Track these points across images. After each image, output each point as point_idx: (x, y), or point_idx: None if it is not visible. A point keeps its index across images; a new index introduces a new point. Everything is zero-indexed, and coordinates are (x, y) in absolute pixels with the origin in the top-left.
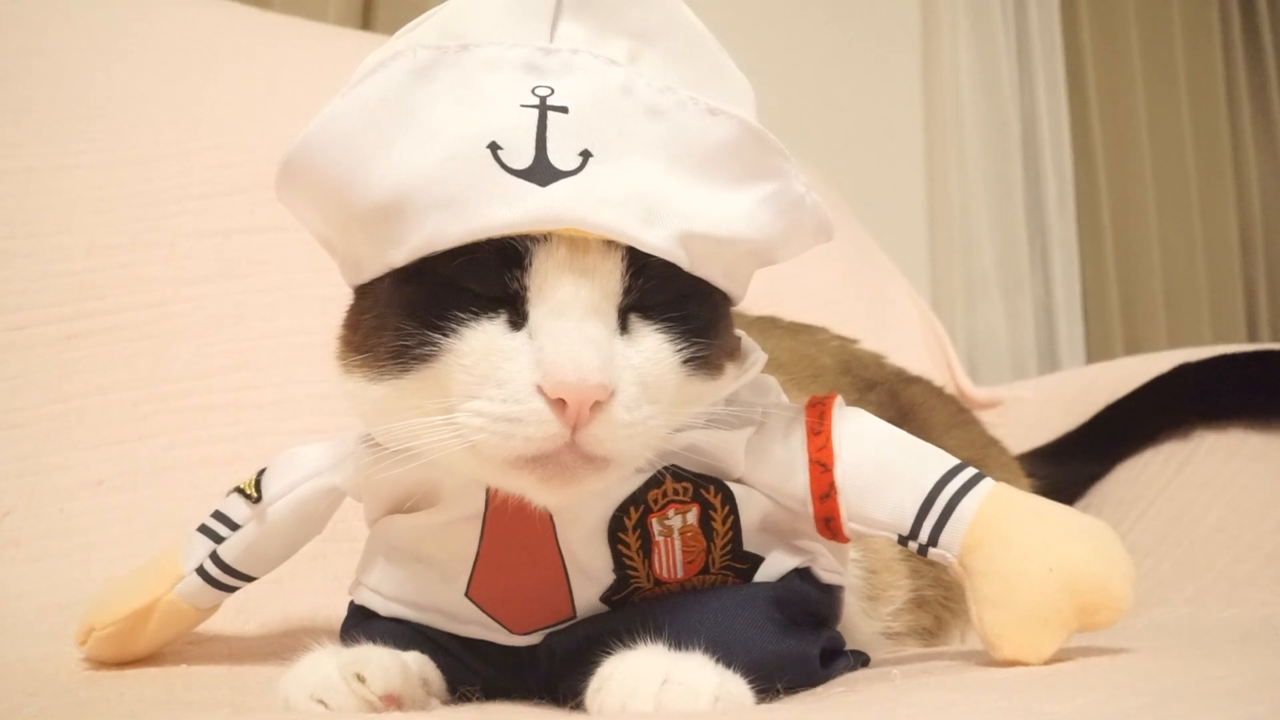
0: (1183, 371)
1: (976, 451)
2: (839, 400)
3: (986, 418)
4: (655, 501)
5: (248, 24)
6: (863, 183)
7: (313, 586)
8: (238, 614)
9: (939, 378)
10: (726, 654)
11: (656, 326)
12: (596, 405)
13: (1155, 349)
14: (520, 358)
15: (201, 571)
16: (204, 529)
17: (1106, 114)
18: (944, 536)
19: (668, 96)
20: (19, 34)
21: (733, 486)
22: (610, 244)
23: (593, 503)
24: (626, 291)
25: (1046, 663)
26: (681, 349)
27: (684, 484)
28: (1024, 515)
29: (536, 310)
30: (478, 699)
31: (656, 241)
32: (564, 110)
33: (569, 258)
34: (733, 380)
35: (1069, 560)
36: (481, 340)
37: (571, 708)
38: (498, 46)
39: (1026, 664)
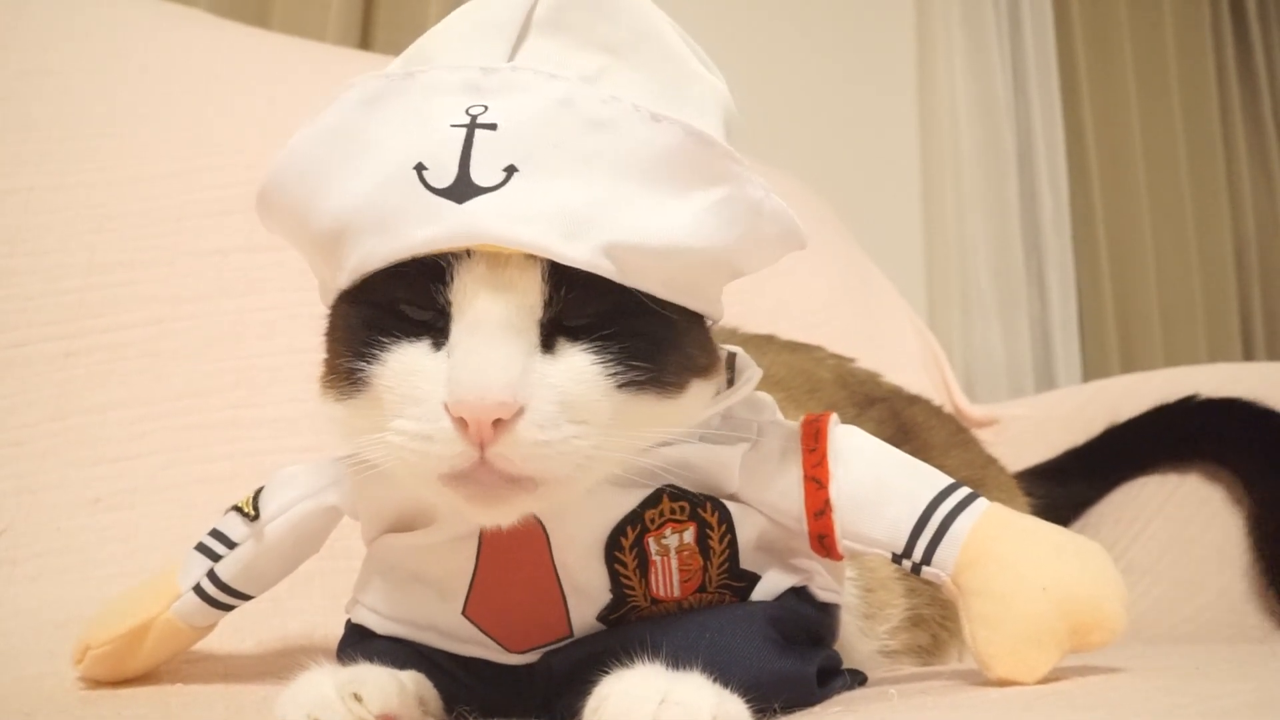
0: (1192, 407)
1: (976, 471)
2: (835, 418)
3: (983, 436)
4: (652, 521)
5: (247, 44)
6: (859, 201)
7: (310, 605)
8: (234, 633)
9: (936, 396)
10: (724, 673)
11: (584, 344)
12: (501, 423)
13: (1151, 366)
14: (437, 376)
15: (198, 590)
16: (201, 547)
17: (1101, 132)
18: (938, 555)
19: (611, 107)
20: (21, 54)
21: (730, 505)
22: (531, 259)
23: (587, 521)
24: (548, 306)
25: (1043, 682)
26: (611, 367)
27: (681, 503)
28: (1018, 535)
29: (455, 327)
30: (475, 718)
31: (576, 254)
32: (493, 127)
33: (487, 274)
34: (706, 398)
35: (1063, 581)
36: (404, 361)
37: None
38: (442, 70)
39: (1020, 684)
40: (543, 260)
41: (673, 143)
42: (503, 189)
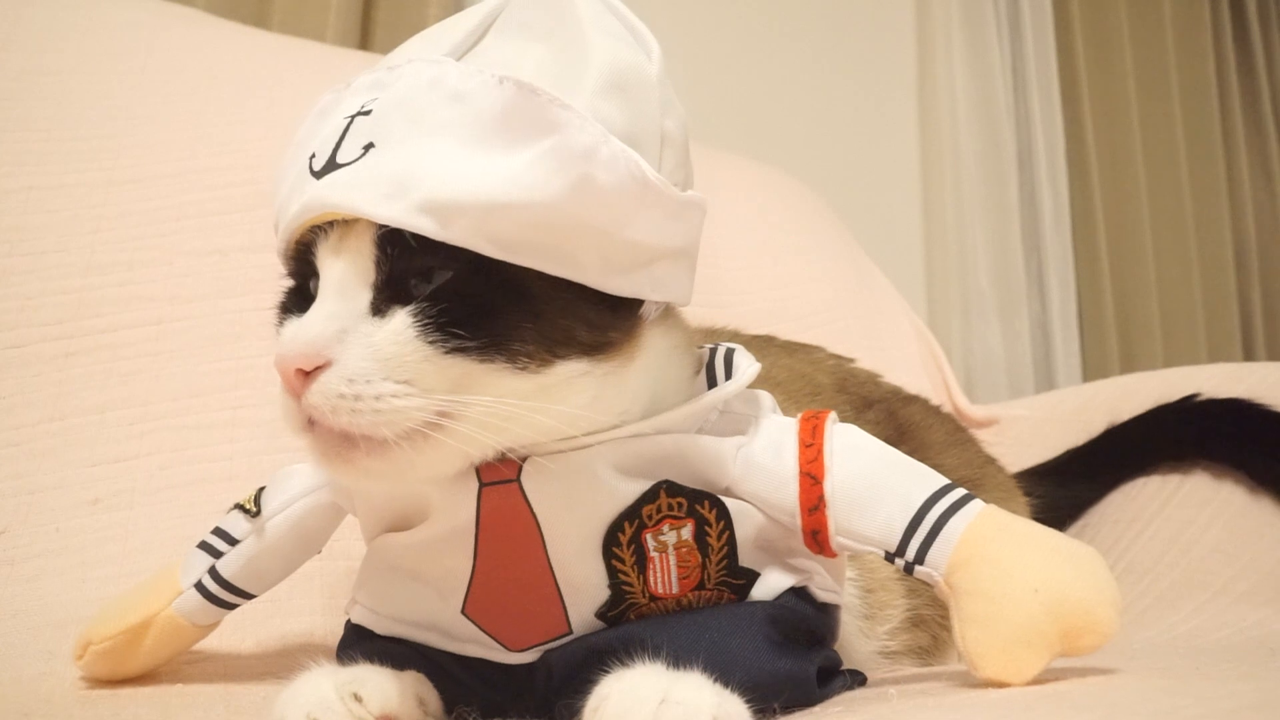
0: (1193, 407)
1: (974, 470)
2: (833, 415)
3: (983, 436)
4: (650, 517)
5: (246, 44)
6: (859, 202)
7: (309, 606)
8: (234, 633)
9: (936, 396)
10: (723, 673)
11: (411, 308)
12: (309, 376)
13: (1151, 367)
14: None
15: (200, 587)
16: (204, 545)
17: (1101, 133)
18: (931, 554)
19: (473, 79)
20: (20, 54)
21: (728, 502)
22: (370, 226)
23: (582, 517)
24: (379, 268)
25: (1043, 683)
26: (430, 331)
27: (678, 499)
28: (1012, 537)
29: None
30: (475, 719)
31: (391, 213)
32: (369, 114)
33: (336, 243)
34: (596, 381)
35: (1055, 583)
36: (283, 332)
37: None
38: (366, 74)
39: (1008, 684)
40: (376, 226)
41: (508, 100)
42: (355, 163)
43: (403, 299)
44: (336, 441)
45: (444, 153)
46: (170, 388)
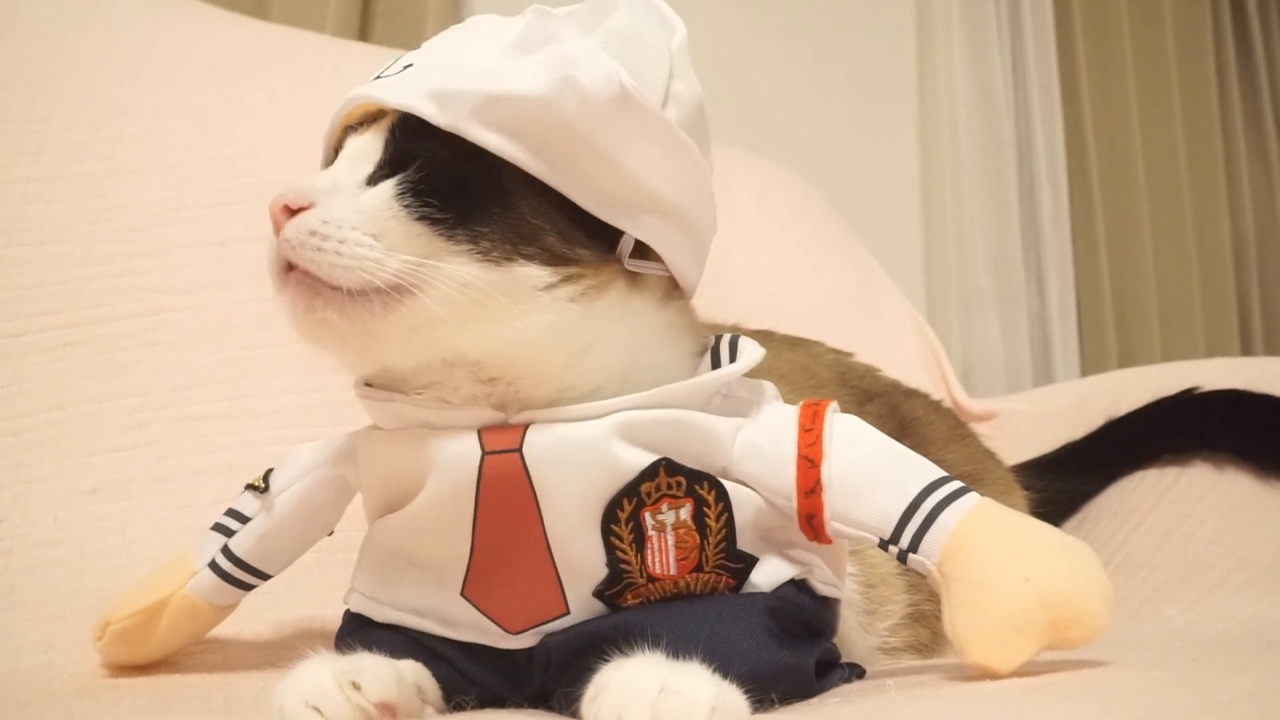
0: (1191, 399)
1: (974, 465)
2: (834, 404)
3: (982, 430)
4: (649, 495)
5: (246, 35)
6: (859, 197)
7: (307, 596)
8: (232, 622)
9: (935, 391)
10: (722, 664)
11: (398, 178)
12: (293, 213)
13: (1149, 362)
14: None
15: (214, 566)
16: (217, 526)
17: (1101, 128)
18: (925, 543)
19: (507, 24)
20: (18, 45)
21: (727, 484)
22: (390, 117)
23: (580, 492)
24: (386, 147)
25: (1040, 674)
26: (407, 197)
27: (677, 478)
28: (1006, 529)
29: None
30: (473, 707)
31: (399, 99)
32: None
33: (360, 131)
34: (557, 297)
35: (1047, 575)
36: None
37: (567, 716)
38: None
39: (995, 671)
40: (390, 115)
41: (529, 22)
42: (392, 76)
43: (397, 174)
44: (308, 293)
45: (466, 61)
46: (169, 378)
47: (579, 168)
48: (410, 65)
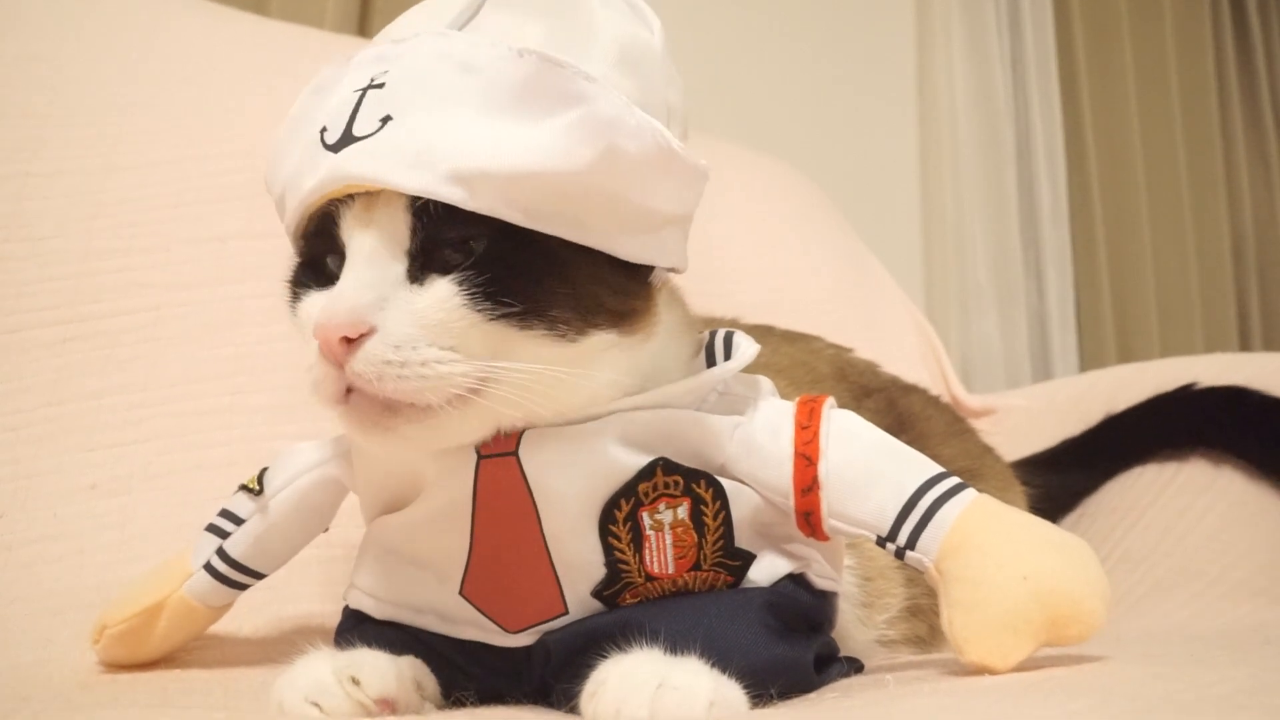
0: (1190, 395)
1: (972, 460)
2: (830, 400)
3: (980, 425)
4: (646, 495)
5: (245, 31)
6: (858, 193)
7: (306, 592)
8: (232, 618)
9: (934, 386)
10: (721, 659)
11: (452, 276)
12: (353, 343)
13: (1148, 358)
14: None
15: (209, 568)
16: (211, 527)
17: (1100, 125)
18: (922, 540)
19: (484, 51)
20: (16, 40)
21: (724, 482)
22: (399, 196)
23: (576, 492)
24: (414, 236)
25: (1037, 669)
26: (478, 299)
27: (675, 477)
28: (1003, 526)
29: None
30: (472, 703)
31: (419, 183)
32: (381, 86)
33: (361, 213)
34: (627, 351)
35: (1044, 572)
36: (307, 306)
37: (566, 712)
38: (369, 49)
39: (992, 669)
40: (406, 196)
41: (530, 72)
42: (374, 136)
43: (437, 267)
44: (377, 410)
45: (464, 123)
46: (168, 374)
47: (615, 220)
48: (389, 118)
